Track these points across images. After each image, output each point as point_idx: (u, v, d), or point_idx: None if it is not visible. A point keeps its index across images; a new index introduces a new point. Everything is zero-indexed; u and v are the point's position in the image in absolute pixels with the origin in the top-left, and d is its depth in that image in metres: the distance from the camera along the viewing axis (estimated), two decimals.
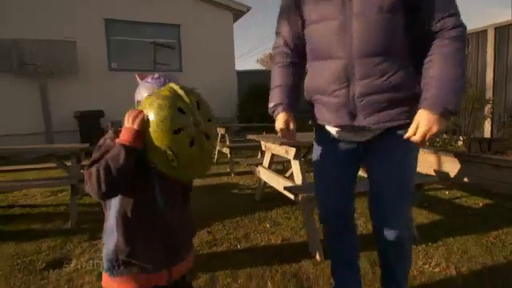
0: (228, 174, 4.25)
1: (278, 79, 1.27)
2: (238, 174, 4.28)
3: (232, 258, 1.93)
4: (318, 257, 1.89)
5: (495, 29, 4.63)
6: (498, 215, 2.58)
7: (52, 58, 6.31)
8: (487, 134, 4.71)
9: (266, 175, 2.82)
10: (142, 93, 1.22)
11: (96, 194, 0.86)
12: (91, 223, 2.55)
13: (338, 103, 1.12)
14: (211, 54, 8.11)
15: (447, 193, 3.25)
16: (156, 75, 1.23)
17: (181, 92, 0.92)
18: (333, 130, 1.22)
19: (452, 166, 3.77)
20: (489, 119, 4.63)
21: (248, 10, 8.69)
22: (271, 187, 2.71)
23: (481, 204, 2.89)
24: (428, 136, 0.99)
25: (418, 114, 1.02)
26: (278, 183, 2.38)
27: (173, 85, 0.97)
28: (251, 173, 4.19)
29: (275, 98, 1.25)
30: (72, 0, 6.75)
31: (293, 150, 2.28)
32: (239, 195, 3.34)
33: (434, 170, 3.98)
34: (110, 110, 6.73)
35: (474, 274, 1.71)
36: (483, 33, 4.81)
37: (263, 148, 3.01)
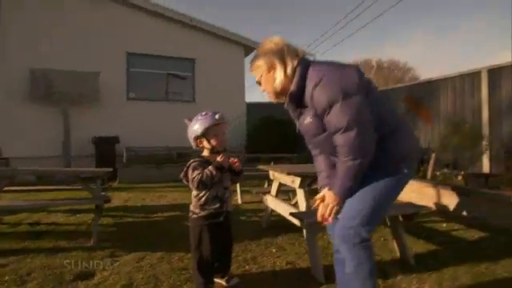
0: (236, 202, 4.47)
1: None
2: (246, 202, 4.49)
3: (241, 277, 2.11)
4: (320, 279, 2.07)
5: (488, 70, 5.00)
6: (491, 247, 2.73)
7: (77, 88, 6.86)
8: (486, 168, 4.91)
9: (273, 203, 3.04)
10: (198, 128, 1.88)
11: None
12: (111, 242, 2.78)
13: None
14: (223, 86, 8.64)
15: (445, 225, 3.40)
16: (203, 113, 1.82)
17: None
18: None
19: (450, 200, 3.94)
20: (487, 154, 4.85)
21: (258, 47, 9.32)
22: (277, 215, 2.92)
23: (476, 236, 3.04)
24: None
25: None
26: (285, 210, 2.60)
27: None
28: (258, 202, 4.41)
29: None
30: (98, 34, 7.43)
31: (298, 180, 2.53)
32: (247, 222, 3.54)
33: (434, 203, 4.15)
34: (125, 137, 7.14)
35: None
36: (477, 74, 5.17)
37: (271, 177, 3.26)
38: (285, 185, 3.06)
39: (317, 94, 1.31)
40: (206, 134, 1.84)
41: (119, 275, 2.13)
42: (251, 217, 3.77)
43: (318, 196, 1.48)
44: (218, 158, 1.84)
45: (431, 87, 5.98)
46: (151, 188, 5.63)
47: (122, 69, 7.74)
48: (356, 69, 1.37)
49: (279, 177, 3.00)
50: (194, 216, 1.90)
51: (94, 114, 7.32)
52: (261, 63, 1.49)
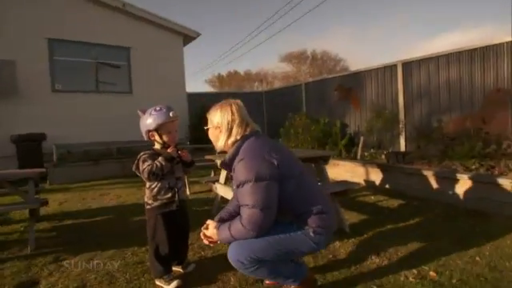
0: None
1: None
2: (195, 192, 4.52)
3: (197, 262, 2.21)
4: None
5: (402, 64, 5.78)
6: (406, 211, 3.30)
7: None
8: (402, 147, 5.74)
9: (222, 190, 3.16)
10: (151, 123, 1.91)
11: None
12: (52, 247, 2.59)
13: None
14: (162, 77, 8.29)
15: (373, 197, 3.96)
16: (158, 108, 1.84)
17: None
18: None
19: (377, 176, 4.55)
20: (403, 135, 5.67)
21: (198, 36, 9.14)
22: (227, 202, 3.05)
23: (396, 204, 3.62)
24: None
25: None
26: None
27: None
28: (207, 191, 4.48)
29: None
30: (15, 18, 6.45)
31: None
32: (198, 211, 3.60)
33: (364, 180, 4.75)
34: (54, 133, 6.45)
35: (389, 247, 2.27)
36: (394, 66, 5.94)
37: (219, 166, 3.36)
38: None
39: (237, 168, 1.49)
40: (158, 130, 1.89)
41: (69, 278, 2.04)
42: (202, 206, 3.84)
43: (209, 222, 1.68)
44: (169, 150, 1.90)
45: (359, 77, 6.67)
46: (90, 187, 5.25)
47: (43, 57, 6.87)
48: (277, 162, 1.46)
49: None
50: (148, 207, 1.95)
51: (13, 108, 6.41)
52: (213, 119, 1.65)
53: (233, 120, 1.59)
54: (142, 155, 1.90)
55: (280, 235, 1.50)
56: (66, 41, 7.14)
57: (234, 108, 1.61)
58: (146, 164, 1.84)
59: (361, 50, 44.73)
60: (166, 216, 1.92)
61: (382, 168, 4.50)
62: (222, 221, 1.66)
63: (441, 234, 2.62)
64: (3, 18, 6.39)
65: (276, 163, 1.46)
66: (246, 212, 1.44)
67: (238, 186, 1.47)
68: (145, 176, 1.84)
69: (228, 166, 1.60)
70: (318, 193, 1.64)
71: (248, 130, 1.61)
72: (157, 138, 1.92)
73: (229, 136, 1.59)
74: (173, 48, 8.70)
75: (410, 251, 2.32)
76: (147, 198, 1.96)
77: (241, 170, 1.46)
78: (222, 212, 1.79)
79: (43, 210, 3.61)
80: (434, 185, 3.74)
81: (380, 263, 2.15)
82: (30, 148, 6.00)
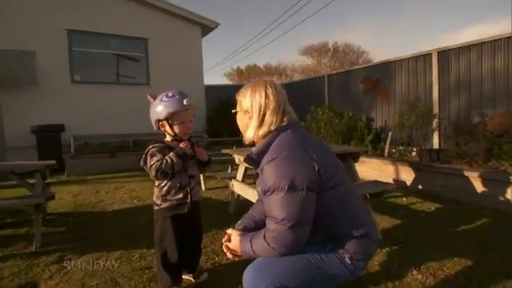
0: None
1: None
2: (211, 188, 4.30)
3: (210, 271, 1.96)
4: None
5: (438, 53, 5.25)
6: (447, 216, 2.90)
7: (8, 69, 5.93)
8: (436, 144, 5.25)
9: (239, 188, 2.90)
10: (161, 111, 1.61)
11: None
12: (58, 245, 2.44)
13: None
14: (180, 69, 8.11)
15: (405, 199, 3.57)
16: (170, 93, 1.56)
17: None
18: None
19: (408, 175, 4.14)
20: (437, 131, 5.17)
21: (216, 27, 8.88)
22: (245, 200, 2.79)
23: (432, 208, 3.22)
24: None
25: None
26: (253, 195, 2.48)
27: None
28: (223, 187, 4.24)
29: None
30: (33, 8, 6.45)
31: None
32: (213, 209, 3.37)
33: (393, 179, 4.34)
34: (72, 124, 6.43)
35: (431, 260, 1.93)
36: (428, 56, 5.42)
37: (236, 161, 3.10)
38: (251, 169, 2.92)
39: (266, 169, 1.15)
40: (169, 119, 1.61)
41: (69, 283, 1.85)
42: (217, 204, 3.60)
43: (230, 231, 1.34)
44: (181, 144, 1.64)
45: (387, 68, 6.18)
46: (105, 179, 5.16)
47: (62, 48, 6.85)
48: (318, 167, 1.12)
49: None
50: (157, 208, 1.70)
51: (33, 99, 6.43)
52: (242, 100, 1.30)
53: (266, 105, 1.22)
54: (151, 148, 1.63)
55: (309, 258, 1.18)
56: (85, 32, 7.08)
57: (269, 90, 1.24)
58: (155, 159, 1.58)
59: (385, 42, 42.99)
60: (176, 219, 1.67)
61: (415, 167, 4.08)
62: (245, 230, 1.35)
63: (493, 246, 2.24)
64: (23, 8, 6.40)
65: (317, 168, 1.11)
66: (272, 226, 1.11)
67: (265, 193, 1.14)
68: (152, 173, 1.58)
69: (255, 162, 1.26)
70: (362, 210, 1.31)
71: (285, 119, 1.24)
72: (167, 128, 1.64)
73: (260, 125, 1.23)
74: (191, 39, 8.49)
75: (458, 266, 1.97)
76: (156, 197, 1.71)
77: (270, 173, 1.12)
78: (246, 219, 1.44)
79: (55, 203, 3.51)
80: (479, 187, 3.30)
81: (423, 280, 1.82)
82: (49, 139, 6.01)
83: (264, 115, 1.23)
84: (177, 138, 1.66)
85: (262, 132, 1.23)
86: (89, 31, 7.11)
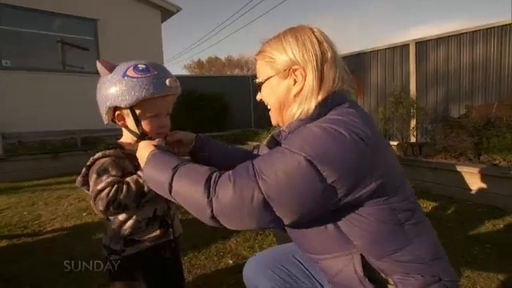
0: None
1: None
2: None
3: None
4: None
5: (416, 43, 5.13)
6: (446, 215, 2.66)
7: None
8: (413, 138, 5.14)
9: None
10: (125, 93, 0.91)
11: None
12: None
13: None
14: (136, 55, 7.14)
15: None
16: (141, 65, 0.89)
17: None
18: None
19: None
20: (413, 124, 5.06)
21: (178, 11, 8.05)
22: None
23: (428, 205, 2.98)
24: None
25: None
26: None
27: None
28: None
29: None
30: None
31: None
32: (186, 222, 2.77)
33: None
34: (1, 119, 5.29)
35: None
36: (406, 47, 5.28)
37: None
38: None
39: (299, 132, 0.75)
40: (136, 108, 0.94)
41: None
42: (189, 214, 3.00)
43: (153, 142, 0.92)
44: (156, 141, 0.95)
45: (362, 59, 5.97)
46: (46, 186, 4.24)
47: None
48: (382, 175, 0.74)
49: None
50: (115, 257, 1.00)
51: None
52: (277, 57, 0.82)
53: (323, 53, 0.79)
54: (99, 158, 0.94)
55: None
56: (17, 7, 5.86)
57: (317, 33, 0.82)
58: (105, 183, 0.88)
59: (343, 38, 44.51)
60: (150, 271, 1.02)
61: (400, 162, 3.84)
62: (196, 152, 1.08)
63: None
64: None
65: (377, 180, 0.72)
66: (242, 177, 0.71)
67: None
68: (99, 207, 0.88)
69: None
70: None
71: (344, 85, 0.82)
72: (129, 123, 0.97)
73: (320, 85, 0.78)
74: (149, 22, 7.58)
75: (473, 272, 1.65)
76: (110, 239, 1.01)
77: (305, 137, 0.71)
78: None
79: None
80: (473, 183, 3.13)
81: None
82: None
83: (322, 68, 0.79)
84: (144, 139, 0.97)
85: (321, 96, 0.78)
86: (23, 6, 5.89)
